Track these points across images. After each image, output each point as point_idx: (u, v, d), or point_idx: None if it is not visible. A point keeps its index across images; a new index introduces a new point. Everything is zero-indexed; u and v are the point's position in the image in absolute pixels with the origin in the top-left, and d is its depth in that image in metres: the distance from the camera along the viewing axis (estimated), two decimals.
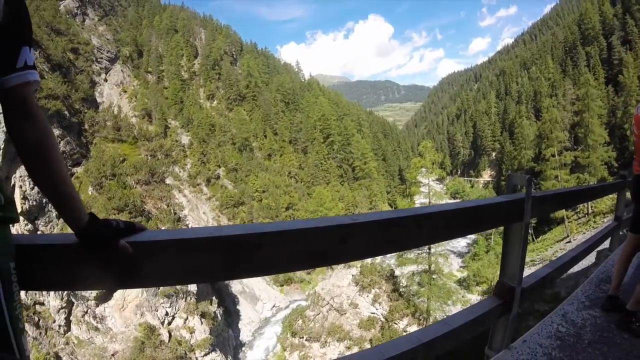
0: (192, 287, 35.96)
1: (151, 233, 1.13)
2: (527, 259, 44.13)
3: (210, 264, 1.18)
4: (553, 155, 49.00)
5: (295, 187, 67.98)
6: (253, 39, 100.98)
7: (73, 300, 31.34)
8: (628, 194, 5.44)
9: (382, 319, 34.18)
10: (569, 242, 44.10)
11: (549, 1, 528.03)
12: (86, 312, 31.46)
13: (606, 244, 6.05)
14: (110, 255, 1.04)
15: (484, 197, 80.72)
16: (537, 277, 3.26)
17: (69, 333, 30.57)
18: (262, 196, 61.36)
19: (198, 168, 63.63)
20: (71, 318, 31.04)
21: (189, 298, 34.90)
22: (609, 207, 43.63)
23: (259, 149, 73.08)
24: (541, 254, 45.53)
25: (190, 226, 44.62)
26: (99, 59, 65.86)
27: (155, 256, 1.11)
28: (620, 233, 5.98)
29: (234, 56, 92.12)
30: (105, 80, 66.61)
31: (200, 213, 57.99)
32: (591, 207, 46.85)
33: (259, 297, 49.42)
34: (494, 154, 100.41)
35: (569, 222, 47.31)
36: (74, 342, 30.24)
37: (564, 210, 47.28)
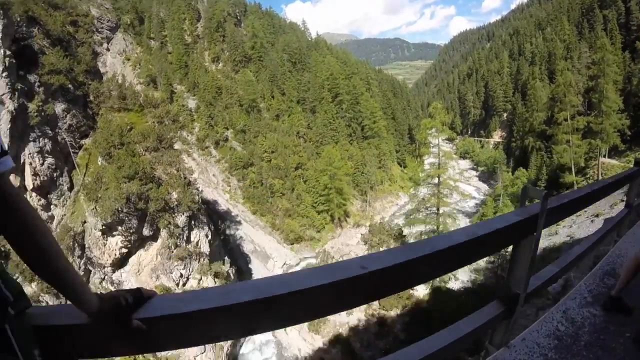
0: (205, 249, 36.85)
1: (161, 300, 1.13)
2: None
3: (225, 328, 1.21)
4: (565, 120, 48.48)
5: (304, 147, 68.14)
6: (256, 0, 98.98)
7: (90, 268, 32.20)
8: None
9: None
10: None
11: None
12: (104, 279, 32.54)
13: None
14: (125, 333, 1.05)
15: (494, 158, 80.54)
16: (542, 278, 3.22)
17: None
18: (271, 157, 61.60)
19: (206, 131, 63.99)
20: (90, 286, 32.09)
21: (202, 259, 35.78)
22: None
23: (267, 110, 72.70)
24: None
25: (200, 189, 45.07)
26: (99, 29, 65.31)
27: (169, 328, 1.12)
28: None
29: (238, 17, 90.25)
30: (108, 49, 66.29)
31: (210, 175, 58.61)
32: (601, 174, 46.79)
33: (270, 256, 50.64)
34: (505, 114, 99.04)
35: (578, 187, 47.23)
36: None
37: (573, 176, 47.24)
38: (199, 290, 1.25)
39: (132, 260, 33.73)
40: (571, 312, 3.67)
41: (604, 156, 50.38)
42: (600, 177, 46.89)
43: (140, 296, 1.10)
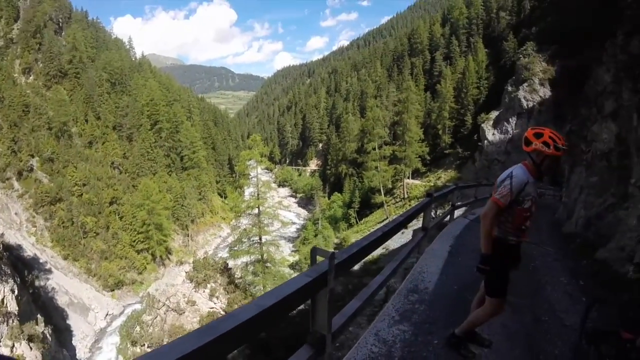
0: (13, 307, 31.44)
1: None
2: (352, 239, 48.76)
3: None
4: (374, 149, 56.02)
5: (119, 179, 63.31)
6: (85, 7, 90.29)
7: None
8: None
9: (222, 312, 34.42)
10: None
11: (387, 13, 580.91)
12: None
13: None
14: None
15: (311, 185, 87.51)
16: (346, 315, 3.38)
17: None
18: (82, 190, 55.21)
19: (8, 159, 53.42)
20: None
21: (10, 321, 30.32)
22: (422, 192, 51.40)
23: (79, 136, 64.93)
24: (364, 234, 50.87)
25: (1, 232, 38.90)
26: None
27: None
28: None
29: (60, 24, 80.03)
30: None
31: (12, 214, 50.25)
32: (407, 192, 55.99)
33: (90, 307, 45.25)
34: (320, 145, 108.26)
35: (387, 206, 55.37)
36: None
37: (382, 196, 54.45)
38: None
39: None
40: (382, 332, 4.03)
41: (409, 178, 59.52)
42: (406, 195, 55.69)
43: None
